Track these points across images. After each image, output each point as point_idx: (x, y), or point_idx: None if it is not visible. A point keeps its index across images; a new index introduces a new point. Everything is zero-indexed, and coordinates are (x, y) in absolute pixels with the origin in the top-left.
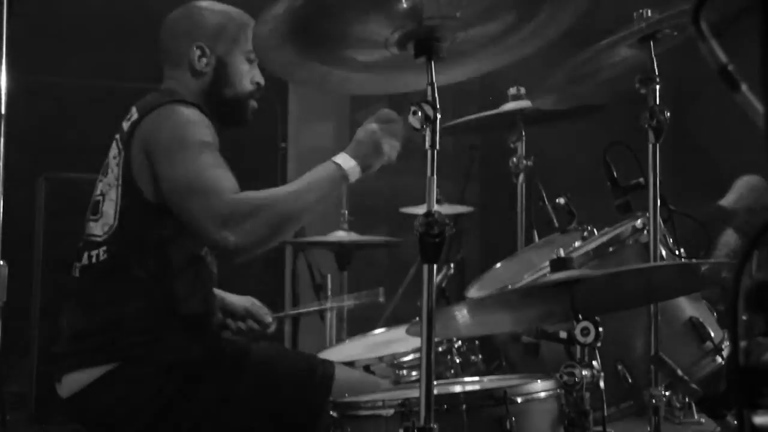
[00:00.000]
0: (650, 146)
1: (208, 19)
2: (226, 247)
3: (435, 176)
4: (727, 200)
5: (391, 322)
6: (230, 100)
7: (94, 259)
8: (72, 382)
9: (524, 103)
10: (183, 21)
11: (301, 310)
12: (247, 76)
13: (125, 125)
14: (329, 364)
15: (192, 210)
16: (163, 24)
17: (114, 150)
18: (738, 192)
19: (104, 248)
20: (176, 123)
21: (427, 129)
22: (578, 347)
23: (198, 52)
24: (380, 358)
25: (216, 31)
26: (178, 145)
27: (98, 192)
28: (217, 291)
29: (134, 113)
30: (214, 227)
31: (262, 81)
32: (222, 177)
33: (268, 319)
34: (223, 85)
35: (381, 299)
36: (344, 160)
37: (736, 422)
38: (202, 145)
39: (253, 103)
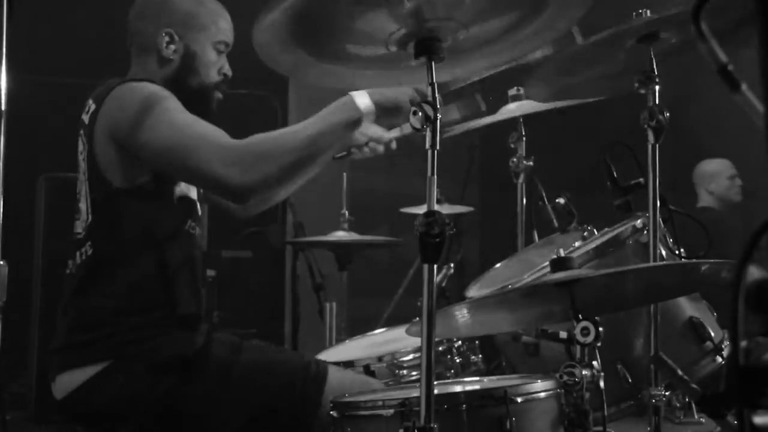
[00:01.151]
0: (650, 146)
1: (178, 5)
2: (238, 188)
3: (435, 176)
4: (705, 199)
5: (391, 322)
6: (195, 90)
7: (83, 257)
8: (66, 382)
9: (524, 104)
10: (153, 5)
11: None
12: (215, 67)
13: (85, 118)
14: (323, 363)
15: (194, 162)
16: (132, 6)
17: (80, 145)
18: (705, 184)
19: (88, 243)
20: (139, 94)
21: (428, 129)
22: (578, 347)
23: (166, 39)
24: (380, 358)
25: (186, 18)
26: (152, 110)
27: (77, 190)
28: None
29: (91, 104)
30: (224, 170)
31: (229, 72)
32: (212, 127)
33: (386, 137)
34: (189, 73)
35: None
36: (359, 96)
37: (736, 422)
38: (175, 105)
39: (218, 95)
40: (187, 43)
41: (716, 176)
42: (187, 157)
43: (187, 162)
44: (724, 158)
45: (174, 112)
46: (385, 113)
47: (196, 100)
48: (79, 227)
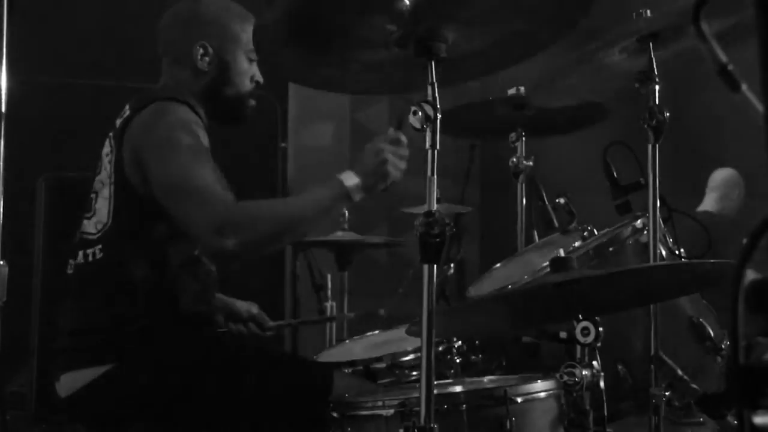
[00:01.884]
0: (650, 146)
1: (211, 16)
2: (221, 251)
3: (435, 176)
4: (710, 203)
5: (391, 322)
6: (231, 99)
7: (90, 258)
8: (70, 382)
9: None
10: (185, 16)
11: (300, 320)
12: (247, 75)
13: (118, 122)
14: (328, 370)
15: (186, 214)
16: (165, 16)
17: (107, 147)
18: (719, 191)
19: (99, 246)
20: (167, 123)
21: (428, 129)
22: (578, 347)
23: (201, 51)
24: (380, 358)
25: (219, 29)
26: (170, 147)
27: (93, 190)
28: (221, 297)
29: (127, 110)
30: (210, 232)
31: (261, 79)
32: (216, 182)
33: (269, 324)
34: (225, 84)
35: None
36: (347, 177)
37: (736, 422)
38: (194, 147)
39: (252, 102)
40: (222, 55)
41: (738, 186)
42: (181, 204)
43: (181, 209)
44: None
45: (189, 152)
46: (377, 184)
47: (232, 109)
48: (91, 227)
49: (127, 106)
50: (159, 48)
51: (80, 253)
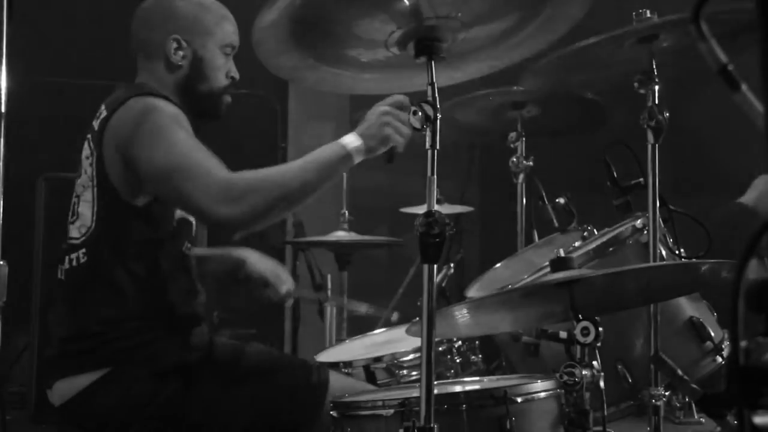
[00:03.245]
0: (650, 146)
1: (183, 11)
2: (223, 221)
3: (435, 176)
4: (748, 198)
5: (391, 322)
6: (205, 95)
7: (74, 263)
8: (64, 389)
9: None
10: (158, 11)
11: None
12: (223, 70)
13: (95, 124)
14: (324, 370)
15: (188, 189)
16: (135, 13)
17: (86, 150)
18: (758, 190)
19: (83, 250)
20: (150, 112)
21: (428, 129)
22: (578, 347)
23: (174, 45)
24: (380, 358)
25: (192, 24)
26: (158, 131)
27: (74, 194)
28: (241, 252)
29: (103, 110)
30: (211, 203)
31: (237, 75)
32: (210, 157)
33: (284, 289)
34: (199, 79)
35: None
36: (349, 139)
37: (736, 422)
38: (181, 129)
39: (227, 98)
40: (195, 49)
41: None
42: (179, 183)
43: (179, 188)
44: None
45: (179, 136)
46: (378, 147)
47: (206, 104)
48: (75, 232)
49: (103, 106)
50: (132, 44)
51: (66, 258)
